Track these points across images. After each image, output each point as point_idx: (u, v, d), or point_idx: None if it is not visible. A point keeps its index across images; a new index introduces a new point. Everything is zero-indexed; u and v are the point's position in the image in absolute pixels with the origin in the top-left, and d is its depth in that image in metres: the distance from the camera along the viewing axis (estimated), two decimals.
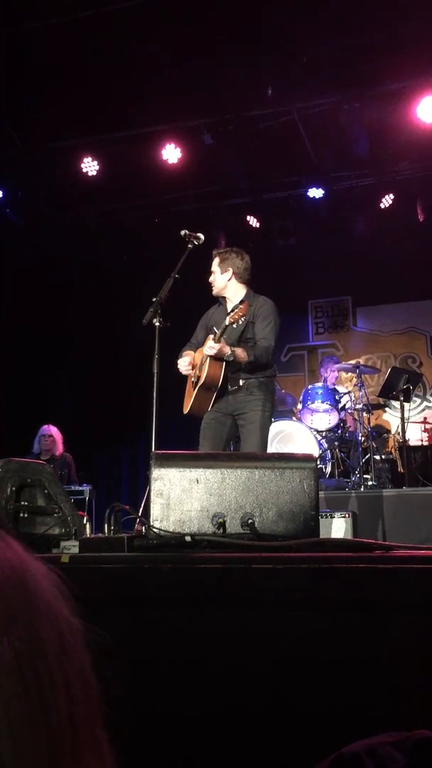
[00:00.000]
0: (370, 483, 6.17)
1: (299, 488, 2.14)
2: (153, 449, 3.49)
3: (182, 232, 4.23)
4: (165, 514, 2.11)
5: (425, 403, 8.57)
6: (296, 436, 6.56)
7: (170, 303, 4.02)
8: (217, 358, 4.01)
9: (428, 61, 6.08)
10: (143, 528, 2.28)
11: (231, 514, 2.12)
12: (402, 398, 6.09)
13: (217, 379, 4.09)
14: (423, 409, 8.47)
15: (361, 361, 8.47)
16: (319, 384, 6.98)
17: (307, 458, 2.31)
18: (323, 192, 7.68)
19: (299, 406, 6.90)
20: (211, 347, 3.97)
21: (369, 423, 6.74)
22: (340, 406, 6.73)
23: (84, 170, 7.23)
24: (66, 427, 7.28)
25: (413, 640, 1.59)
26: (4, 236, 7.56)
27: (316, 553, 1.86)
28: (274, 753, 1.56)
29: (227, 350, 3.96)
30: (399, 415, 6.20)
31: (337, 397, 6.74)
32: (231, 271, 4.29)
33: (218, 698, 1.64)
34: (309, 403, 6.67)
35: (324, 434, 6.74)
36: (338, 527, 4.40)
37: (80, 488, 6.63)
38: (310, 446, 6.48)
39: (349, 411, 6.82)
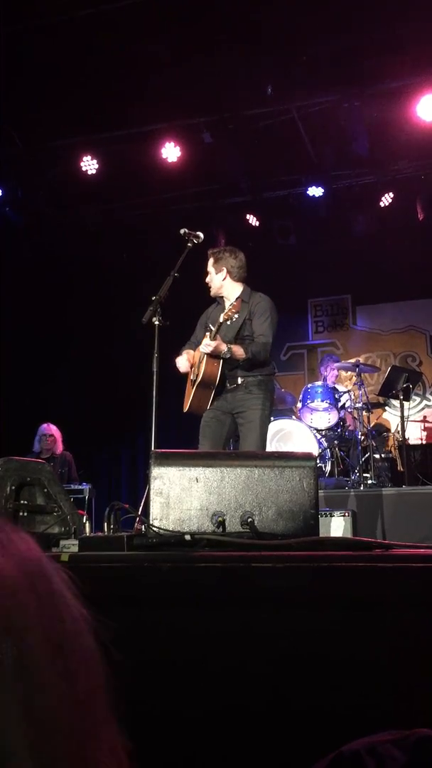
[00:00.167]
0: (369, 482, 6.17)
1: (299, 487, 2.14)
2: (153, 448, 3.49)
3: (182, 231, 4.23)
4: (164, 513, 2.11)
5: (425, 402, 8.57)
6: (296, 434, 6.55)
7: (170, 302, 4.02)
8: (213, 355, 4.01)
9: (428, 60, 6.08)
10: (143, 527, 2.28)
11: (230, 513, 2.12)
12: (402, 397, 6.09)
13: (215, 376, 4.08)
14: (422, 408, 8.47)
15: (361, 359, 8.45)
16: (319, 383, 6.97)
17: (307, 457, 2.31)
18: (323, 191, 7.66)
19: (299, 405, 6.89)
20: (207, 344, 3.96)
21: (369, 422, 6.73)
22: (340, 404, 6.73)
23: (84, 169, 7.22)
24: (66, 426, 7.29)
25: (413, 639, 1.59)
26: (4, 235, 7.57)
27: (315, 552, 1.86)
28: (274, 752, 1.56)
29: (224, 347, 3.96)
30: (399, 413, 6.20)
31: (336, 396, 6.73)
32: (225, 270, 4.30)
33: (218, 697, 1.64)
34: (309, 401, 6.66)
35: (324, 433, 6.73)
36: (338, 526, 4.40)
37: (80, 487, 6.64)
38: (310, 445, 6.47)
39: (349, 410, 6.82)
